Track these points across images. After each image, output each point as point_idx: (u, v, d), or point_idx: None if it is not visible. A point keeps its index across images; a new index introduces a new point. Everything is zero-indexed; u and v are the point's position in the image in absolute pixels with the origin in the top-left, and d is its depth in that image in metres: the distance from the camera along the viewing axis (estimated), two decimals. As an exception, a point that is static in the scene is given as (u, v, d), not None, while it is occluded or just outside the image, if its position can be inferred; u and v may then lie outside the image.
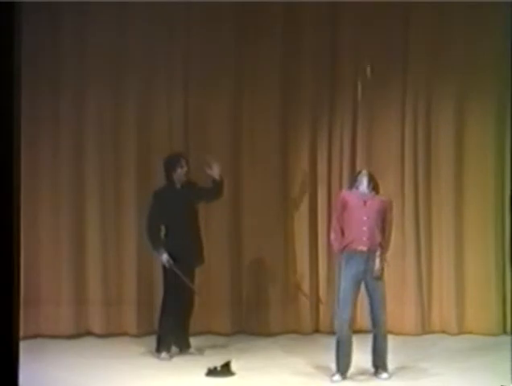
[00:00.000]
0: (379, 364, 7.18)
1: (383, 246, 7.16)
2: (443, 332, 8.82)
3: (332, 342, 7.23)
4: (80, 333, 8.64)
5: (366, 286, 7.12)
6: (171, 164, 7.90)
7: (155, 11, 8.52)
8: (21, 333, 8.28)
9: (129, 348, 8.28)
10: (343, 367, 7.11)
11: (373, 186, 7.26)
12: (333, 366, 7.15)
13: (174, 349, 7.91)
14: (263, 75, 8.85)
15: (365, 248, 7.08)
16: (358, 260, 7.08)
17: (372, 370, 7.20)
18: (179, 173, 7.87)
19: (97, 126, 8.70)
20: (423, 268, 8.88)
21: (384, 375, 7.13)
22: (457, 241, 8.85)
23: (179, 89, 8.80)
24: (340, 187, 8.58)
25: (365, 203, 7.16)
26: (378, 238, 7.12)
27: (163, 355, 7.84)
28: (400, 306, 8.71)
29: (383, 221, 7.22)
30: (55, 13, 8.55)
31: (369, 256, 7.08)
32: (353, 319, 7.22)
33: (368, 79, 8.38)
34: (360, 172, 7.40)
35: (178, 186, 7.91)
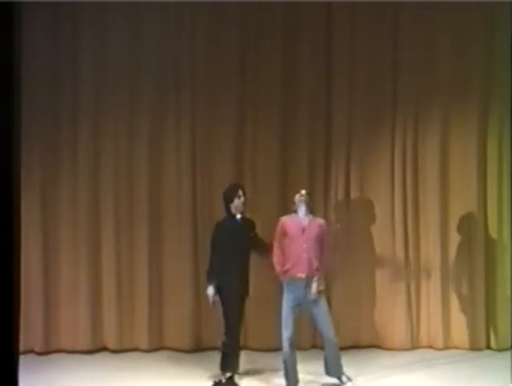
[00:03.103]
0: (335, 373, 7.43)
1: (320, 270, 7.34)
2: (430, 347, 9.10)
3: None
4: (97, 348, 9.02)
5: (308, 308, 7.36)
6: (229, 195, 7.88)
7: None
8: (44, 348, 8.99)
9: (139, 362, 8.63)
10: (292, 382, 7.33)
11: (311, 209, 7.45)
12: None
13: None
14: (265, 103, 9.18)
15: (303, 275, 7.27)
16: (298, 285, 7.27)
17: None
18: (237, 203, 7.83)
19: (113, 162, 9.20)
20: (412, 288, 9.17)
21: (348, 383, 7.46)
22: (443, 263, 9.14)
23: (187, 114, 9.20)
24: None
25: (303, 231, 7.34)
26: (316, 263, 7.32)
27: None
28: (391, 324, 9.10)
29: (320, 244, 7.40)
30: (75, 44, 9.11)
31: (307, 281, 7.27)
32: (294, 337, 7.31)
33: None
34: (298, 194, 7.46)
35: (237, 217, 7.87)
